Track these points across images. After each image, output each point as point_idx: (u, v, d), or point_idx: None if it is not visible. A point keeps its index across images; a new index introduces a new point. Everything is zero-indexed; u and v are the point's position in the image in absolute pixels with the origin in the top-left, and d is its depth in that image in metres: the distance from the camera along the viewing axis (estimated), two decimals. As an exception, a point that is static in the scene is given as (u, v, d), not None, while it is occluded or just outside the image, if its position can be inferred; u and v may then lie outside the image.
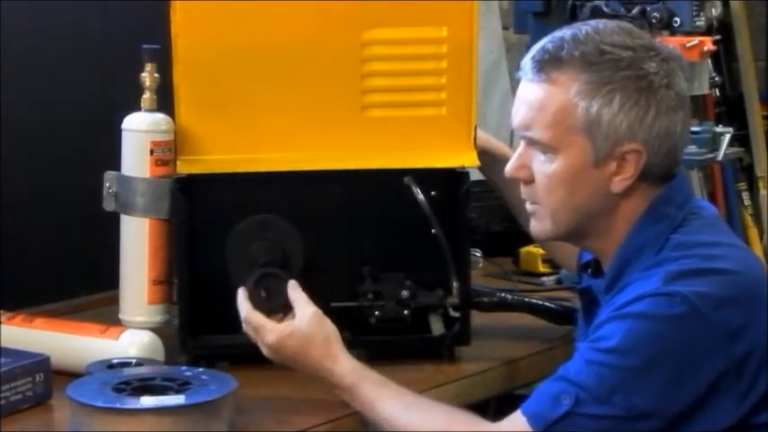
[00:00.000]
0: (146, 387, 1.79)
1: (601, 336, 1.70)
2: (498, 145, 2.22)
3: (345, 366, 1.85)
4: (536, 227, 1.87)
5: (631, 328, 1.67)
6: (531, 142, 1.81)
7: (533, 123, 1.79)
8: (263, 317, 1.91)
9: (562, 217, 1.81)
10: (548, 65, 1.78)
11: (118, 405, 1.72)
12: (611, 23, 1.82)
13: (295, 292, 1.93)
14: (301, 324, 1.88)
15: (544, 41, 1.81)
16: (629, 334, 1.67)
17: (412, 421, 1.77)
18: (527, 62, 1.81)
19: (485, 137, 2.19)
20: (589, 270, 1.94)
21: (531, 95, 1.79)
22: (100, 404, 1.72)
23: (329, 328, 1.89)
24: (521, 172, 1.83)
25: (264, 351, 1.90)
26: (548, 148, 1.79)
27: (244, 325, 1.93)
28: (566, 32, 1.80)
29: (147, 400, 1.73)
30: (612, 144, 1.75)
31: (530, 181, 1.83)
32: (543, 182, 1.80)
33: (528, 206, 1.86)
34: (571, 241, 1.91)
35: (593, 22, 1.82)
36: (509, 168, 1.85)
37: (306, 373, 1.88)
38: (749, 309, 1.70)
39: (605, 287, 1.82)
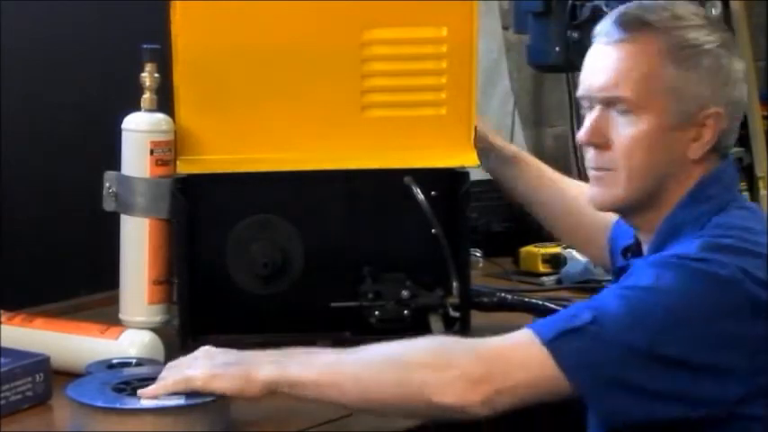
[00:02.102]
0: (146, 387, 1.79)
1: (632, 278, 1.68)
2: (508, 144, 2.25)
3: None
4: (603, 194, 1.81)
5: (667, 274, 1.65)
6: (614, 102, 1.77)
7: (619, 83, 1.77)
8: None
9: (637, 182, 1.78)
10: (634, 27, 1.77)
11: (118, 405, 1.72)
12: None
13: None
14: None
15: (623, 8, 1.81)
16: (664, 278, 1.64)
17: (393, 359, 1.67)
18: (609, 25, 1.79)
19: (492, 134, 2.21)
20: (629, 254, 1.91)
21: (616, 56, 1.77)
22: (100, 404, 1.72)
23: None
24: (596, 137, 1.79)
25: (199, 363, 1.75)
26: (633, 108, 1.76)
27: (169, 379, 1.74)
28: (640, 1, 1.81)
29: (148, 400, 1.73)
30: (697, 108, 1.76)
31: (603, 146, 1.79)
32: (624, 144, 1.77)
33: (595, 173, 1.82)
34: (630, 212, 1.85)
35: None
36: (583, 134, 1.80)
37: (230, 355, 1.75)
38: None
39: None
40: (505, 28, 3.34)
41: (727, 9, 3.59)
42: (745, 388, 1.66)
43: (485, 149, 2.18)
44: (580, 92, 1.83)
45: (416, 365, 1.67)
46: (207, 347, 1.79)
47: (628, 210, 1.84)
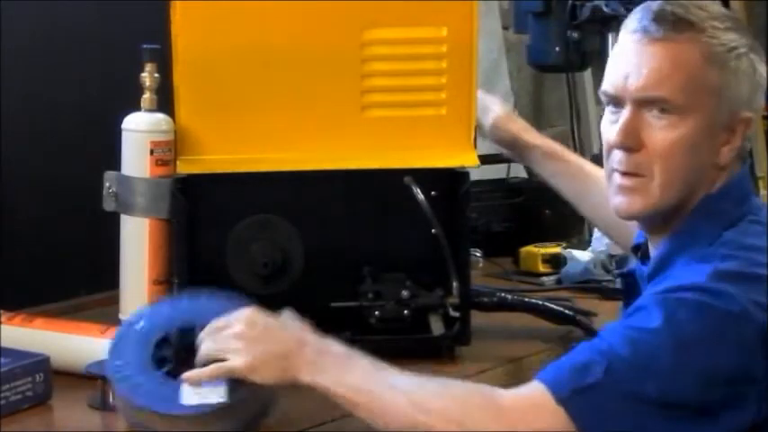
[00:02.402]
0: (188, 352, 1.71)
1: (640, 316, 1.63)
2: (547, 140, 2.26)
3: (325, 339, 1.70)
4: (632, 203, 1.74)
5: (675, 313, 1.60)
6: (654, 103, 1.70)
7: (662, 83, 1.70)
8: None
9: (672, 189, 1.72)
10: (675, 25, 1.71)
11: (159, 409, 1.66)
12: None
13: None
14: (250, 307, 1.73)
15: (656, 4, 1.73)
16: (672, 317, 1.60)
17: (427, 392, 1.63)
18: (647, 21, 1.72)
19: (525, 132, 2.23)
20: (639, 253, 1.86)
21: (659, 55, 1.70)
22: (139, 403, 1.67)
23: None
24: (630, 139, 1.71)
25: (238, 330, 1.68)
26: (674, 110, 1.70)
27: (204, 343, 1.70)
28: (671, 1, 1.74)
29: (190, 395, 1.67)
30: (735, 111, 1.72)
31: (636, 149, 1.71)
32: (662, 147, 1.70)
33: (622, 179, 1.73)
34: (651, 221, 1.78)
35: None
36: (617, 135, 1.72)
37: (279, 343, 1.68)
38: None
39: (649, 273, 1.77)
40: (505, 28, 3.35)
41: (727, 9, 3.59)
42: (760, 414, 1.63)
43: (524, 148, 2.22)
44: (610, 89, 1.75)
45: (434, 413, 1.61)
46: (249, 313, 1.70)
47: (661, 218, 1.76)
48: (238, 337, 1.68)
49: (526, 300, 2.29)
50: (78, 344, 2.00)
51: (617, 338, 1.61)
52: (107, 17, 2.54)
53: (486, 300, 2.24)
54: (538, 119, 3.49)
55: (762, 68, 1.75)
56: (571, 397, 1.57)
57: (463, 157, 2.09)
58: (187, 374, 1.69)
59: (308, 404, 1.89)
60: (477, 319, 2.14)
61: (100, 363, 1.92)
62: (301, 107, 2.08)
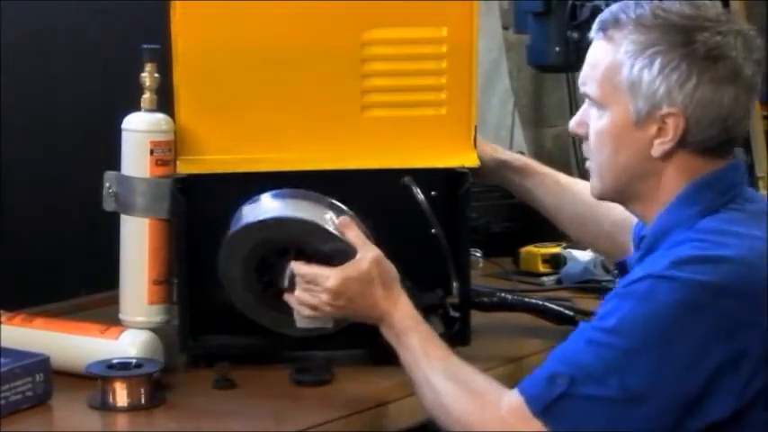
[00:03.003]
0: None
1: (603, 314, 1.72)
2: (521, 156, 2.30)
3: (403, 311, 1.88)
4: (593, 184, 1.90)
5: (631, 310, 1.69)
6: (587, 98, 1.85)
7: (588, 79, 1.84)
8: (316, 266, 1.91)
9: (607, 175, 1.85)
10: (607, 24, 1.82)
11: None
12: None
13: (351, 231, 1.94)
14: (362, 264, 1.89)
15: (613, 5, 1.85)
16: (627, 315, 1.69)
17: (445, 389, 1.79)
18: (595, 22, 1.86)
19: (494, 149, 2.24)
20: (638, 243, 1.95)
21: (592, 52, 1.85)
22: None
23: (392, 270, 1.91)
24: (580, 128, 1.87)
25: (324, 299, 1.89)
26: (598, 104, 1.83)
27: (296, 285, 1.92)
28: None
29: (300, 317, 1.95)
30: (651, 106, 1.78)
31: (584, 137, 1.87)
32: (593, 138, 1.84)
33: (587, 163, 1.90)
34: (620, 202, 1.91)
35: None
36: (571, 124, 1.89)
37: (359, 314, 1.90)
38: (752, 302, 1.69)
39: (637, 258, 1.84)
40: (505, 28, 3.35)
41: (727, 9, 3.59)
42: (740, 400, 1.68)
43: (499, 167, 2.23)
44: None
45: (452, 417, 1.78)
46: (334, 283, 1.90)
47: (616, 200, 1.91)
48: (324, 304, 1.90)
49: (526, 300, 2.29)
50: (78, 344, 2.00)
51: (581, 343, 1.72)
52: (107, 17, 2.54)
53: (486, 300, 2.24)
54: (538, 119, 3.49)
55: (699, 65, 1.77)
56: (544, 410, 1.69)
57: (463, 157, 2.09)
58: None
59: (309, 404, 1.90)
60: (477, 319, 2.14)
61: (100, 363, 1.93)
62: (301, 107, 2.08)
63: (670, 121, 1.78)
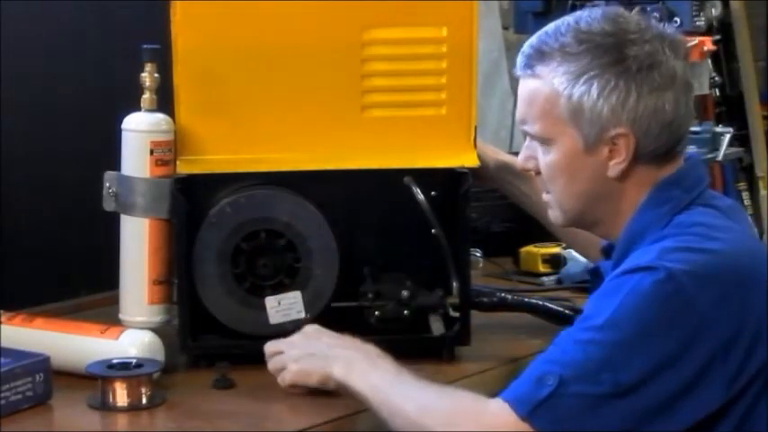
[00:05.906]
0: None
1: (589, 314, 1.72)
2: (513, 158, 2.27)
3: (366, 344, 1.88)
4: (551, 215, 1.92)
5: (620, 304, 1.68)
6: (529, 136, 1.87)
7: (526, 118, 1.86)
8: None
9: (567, 204, 1.87)
10: (532, 59, 1.83)
11: None
12: (597, 11, 1.86)
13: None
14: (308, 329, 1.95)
15: (531, 37, 1.86)
16: (617, 309, 1.68)
17: (428, 399, 1.76)
18: (518, 58, 1.86)
19: (495, 151, 2.24)
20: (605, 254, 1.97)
21: (523, 91, 1.86)
22: None
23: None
24: (529, 163, 1.89)
25: (296, 351, 1.91)
26: (542, 140, 1.84)
27: (270, 362, 1.93)
28: (549, 26, 1.86)
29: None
30: (599, 130, 1.79)
31: (537, 172, 1.89)
32: (545, 172, 1.86)
33: (544, 196, 1.92)
34: (585, 228, 1.94)
35: (578, 12, 1.87)
36: (519, 161, 1.92)
37: (346, 346, 1.89)
38: (737, 292, 1.70)
39: (612, 267, 1.83)
40: (505, 28, 3.35)
41: (727, 9, 3.59)
42: (730, 388, 1.68)
43: (499, 170, 2.22)
44: None
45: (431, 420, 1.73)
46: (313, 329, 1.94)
47: (580, 226, 1.93)
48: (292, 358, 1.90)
49: (526, 300, 2.29)
50: (78, 344, 2.00)
51: (569, 343, 1.70)
52: (107, 17, 2.54)
53: (486, 300, 2.24)
54: (538, 119, 3.48)
55: (623, 83, 1.78)
56: (531, 412, 1.65)
57: (463, 157, 2.09)
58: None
59: (309, 404, 1.90)
60: (477, 319, 2.14)
61: (100, 363, 1.93)
62: (301, 107, 2.08)
63: (621, 142, 1.79)
